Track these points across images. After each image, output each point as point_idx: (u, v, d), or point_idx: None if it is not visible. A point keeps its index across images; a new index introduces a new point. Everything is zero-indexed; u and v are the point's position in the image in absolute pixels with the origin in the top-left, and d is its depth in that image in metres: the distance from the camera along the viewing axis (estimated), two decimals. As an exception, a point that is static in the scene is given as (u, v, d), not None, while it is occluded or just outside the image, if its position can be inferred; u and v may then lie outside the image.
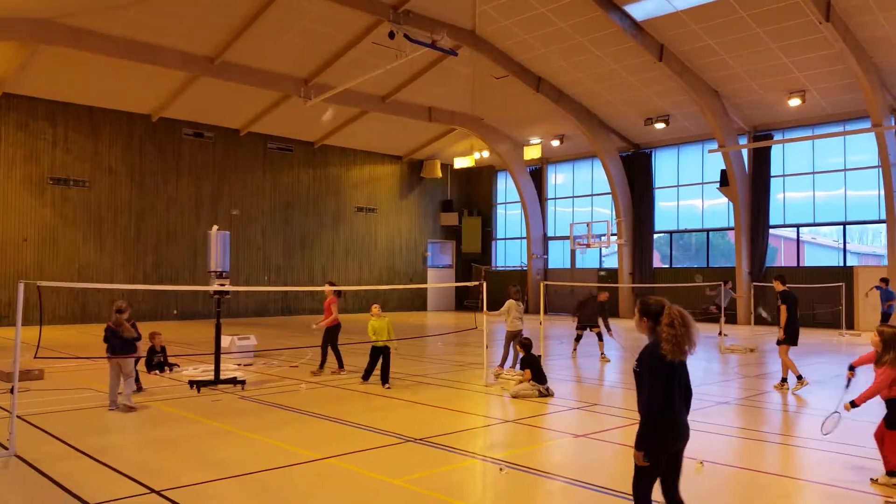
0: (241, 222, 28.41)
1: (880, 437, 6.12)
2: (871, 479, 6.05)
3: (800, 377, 10.96)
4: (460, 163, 34.57)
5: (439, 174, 35.09)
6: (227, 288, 10.86)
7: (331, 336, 12.63)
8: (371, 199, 33.42)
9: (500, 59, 25.03)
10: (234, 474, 6.25)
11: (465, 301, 35.75)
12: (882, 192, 22.96)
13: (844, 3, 18.90)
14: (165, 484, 5.89)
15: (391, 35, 19.75)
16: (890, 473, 5.94)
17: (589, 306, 15.52)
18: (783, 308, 11.14)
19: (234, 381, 10.98)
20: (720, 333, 19.87)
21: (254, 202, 29.22)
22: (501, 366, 12.85)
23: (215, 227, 11.57)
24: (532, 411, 9.39)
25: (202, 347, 15.72)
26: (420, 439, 7.55)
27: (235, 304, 27.33)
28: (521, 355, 11.12)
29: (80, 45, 20.22)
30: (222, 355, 11.54)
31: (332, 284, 13.20)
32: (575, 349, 15.65)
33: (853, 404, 6.20)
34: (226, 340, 13.75)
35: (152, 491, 5.72)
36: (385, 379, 11.09)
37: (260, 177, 29.50)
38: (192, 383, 10.79)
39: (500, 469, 6.46)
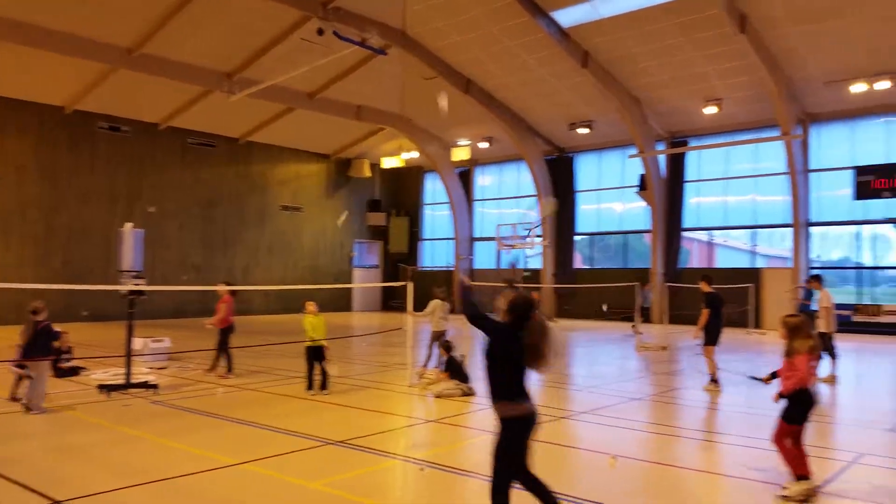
0: (158, 219, 27.38)
1: (780, 438, 5.84)
2: (783, 497, 5.64)
3: (715, 381, 11.13)
4: (388, 163, 34.45)
5: (367, 173, 34.87)
6: (134, 287, 10.42)
7: (223, 336, 12.28)
8: (297, 198, 32.86)
9: (429, 59, 25.12)
10: (146, 481, 6.02)
11: (391, 301, 35.66)
12: (790, 198, 24.27)
13: (759, 15, 19.88)
14: (71, 493, 5.62)
15: (320, 32, 19.49)
16: (801, 478, 5.70)
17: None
18: (705, 310, 11.31)
19: (145, 384, 10.58)
20: (637, 332, 20.63)
21: (173, 199, 28.23)
22: (425, 366, 12.87)
23: (129, 225, 11.13)
24: (455, 410, 9.45)
25: (113, 350, 15.07)
26: (341, 442, 7.48)
27: (151, 305, 26.25)
28: (444, 357, 11.17)
29: (-14, 31, 19.06)
30: (134, 358, 11.10)
31: (227, 284, 12.81)
32: None
33: (781, 395, 5.92)
34: (139, 343, 13.25)
35: (55, 502, 5.45)
36: (324, 384, 10.60)
37: (179, 173, 28.54)
38: (101, 387, 10.33)
39: (421, 469, 6.47)
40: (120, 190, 26.60)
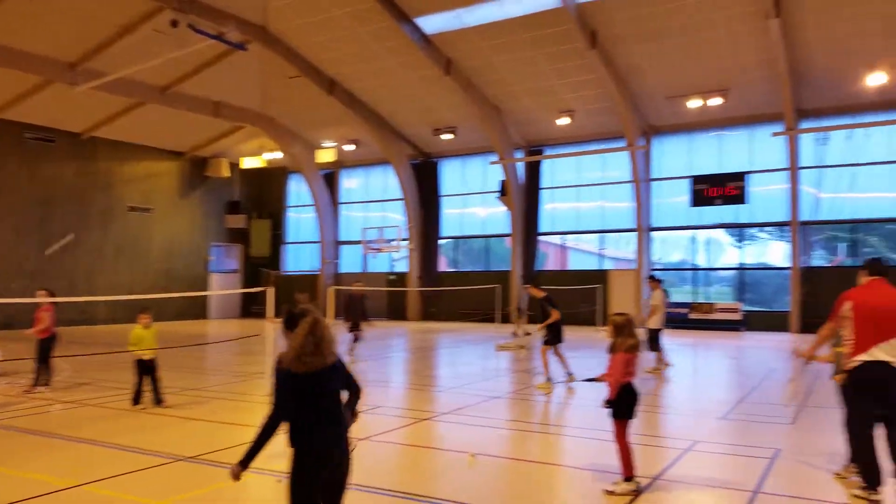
0: (-14, 220, 24.78)
1: (619, 435, 6.01)
2: (607, 492, 5.85)
3: (549, 378, 11.66)
4: (249, 162, 33.22)
5: (226, 173, 33.45)
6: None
7: (44, 348, 11.39)
8: (147, 198, 30.89)
9: (292, 58, 24.56)
10: (-36, 512, 5.42)
11: (252, 307, 34.43)
12: (634, 205, 26.05)
13: (608, 33, 21.20)
14: None
15: (174, 24, 18.46)
16: (628, 480, 5.91)
17: (355, 305, 15.45)
18: (554, 310, 11.73)
19: (-30, 403, 9.52)
20: (525, 333, 21.31)
21: (5, 197, 25.63)
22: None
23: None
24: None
25: (-69, 366, 13.46)
26: (192, 457, 7.10)
27: (-22, 315, 23.77)
28: None
29: None
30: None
31: (48, 291, 11.83)
32: (354, 351, 15.36)
33: (600, 379, 6.20)
34: (-38, 357, 11.90)
35: None
36: (157, 397, 10.02)
37: (14, 169, 25.96)
38: (-87, 409, 9.18)
39: (279, 481, 6.28)
40: (-62, 187, 23.82)
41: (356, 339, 15.35)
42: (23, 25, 19.98)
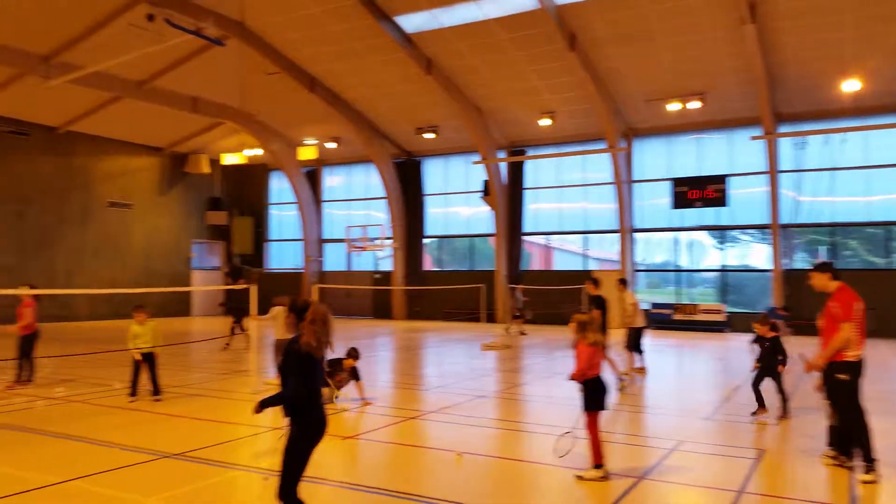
0: (-39, 216, 24.33)
1: (590, 426, 6.34)
2: (578, 477, 6.25)
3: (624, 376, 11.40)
4: (230, 159, 32.84)
5: (206, 170, 33.13)
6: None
7: (26, 344, 11.35)
8: (126, 194, 30.50)
9: (271, 54, 24.36)
10: (-54, 511, 5.34)
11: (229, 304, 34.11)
12: (616, 206, 26.23)
13: (587, 35, 21.31)
14: None
15: (150, 17, 18.20)
16: (596, 466, 6.26)
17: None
18: (596, 311, 11.61)
19: (-52, 401, 9.37)
20: (521, 333, 21.45)
21: (-21, 193, 25.19)
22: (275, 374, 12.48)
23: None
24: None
25: None
26: (178, 454, 7.05)
27: (-48, 312, 23.30)
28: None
29: None
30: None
31: (31, 286, 11.79)
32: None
33: (573, 379, 6.49)
34: (-62, 354, 11.69)
35: None
36: (156, 390, 10.14)
37: (-13, 163, 25.52)
38: None
39: (265, 479, 6.26)
40: (-89, 181, 23.33)
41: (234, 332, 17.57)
42: (-3, 18, 19.65)
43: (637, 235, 26.86)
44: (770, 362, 9.02)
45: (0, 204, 25.86)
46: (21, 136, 26.57)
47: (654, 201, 26.55)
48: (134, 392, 10.08)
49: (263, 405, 4.54)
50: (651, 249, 27.67)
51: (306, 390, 4.34)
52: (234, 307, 18.05)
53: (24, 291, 11.50)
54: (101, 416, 9.20)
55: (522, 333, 22.05)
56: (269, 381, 11.98)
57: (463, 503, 5.62)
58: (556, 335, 22.27)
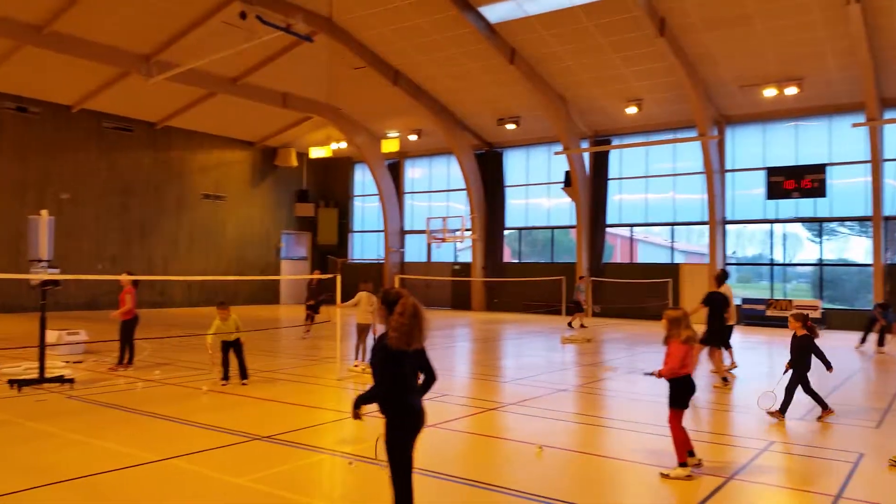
0: (71, 207, 26.09)
1: (673, 422, 6.26)
2: (662, 475, 6.13)
3: (725, 379, 11.12)
4: (317, 152, 33.84)
5: (294, 163, 34.21)
6: (48, 277, 9.91)
7: (127, 329, 11.95)
8: (219, 186, 31.91)
9: (357, 49, 24.82)
10: (61, 479, 5.75)
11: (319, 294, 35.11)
12: (705, 197, 25.32)
13: (676, 21, 20.60)
14: (-25, 496, 5.31)
15: (242, 15, 18.95)
16: (681, 465, 6.14)
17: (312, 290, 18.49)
18: (706, 309, 11.12)
19: (61, 379, 10.09)
20: (580, 325, 21.29)
21: (87, 186, 26.93)
22: (357, 359, 12.78)
23: (45, 213, 10.59)
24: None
25: (25, 343, 14.29)
26: (267, 437, 7.34)
27: (64, 297, 25.07)
28: None
29: None
30: (48, 351, 10.57)
31: (130, 273, 12.41)
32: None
33: (659, 375, 6.47)
34: (52, 335, 12.60)
35: (-41, 505, 5.14)
36: (243, 374, 10.65)
37: (94, 158, 27.24)
38: (12, 382, 9.78)
39: (350, 463, 6.43)
40: (29, 175, 25.19)
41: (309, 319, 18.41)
42: (101, 19, 20.84)
43: (728, 227, 25.84)
44: (801, 363, 8.65)
45: (107, 196, 27.57)
46: (125, 131, 28.23)
47: (746, 191, 25.46)
48: (226, 376, 10.58)
49: (359, 404, 4.48)
50: (743, 242, 26.57)
51: (396, 384, 4.29)
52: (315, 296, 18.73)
53: (124, 278, 12.16)
54: (194, 398, 9.69)
55: (583, 326, 21.72)
56: (353, 366, 12.29)
57: (544, 496, 5.59)
58: (639, 330, 21.77)
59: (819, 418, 8.59)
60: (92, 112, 26.86)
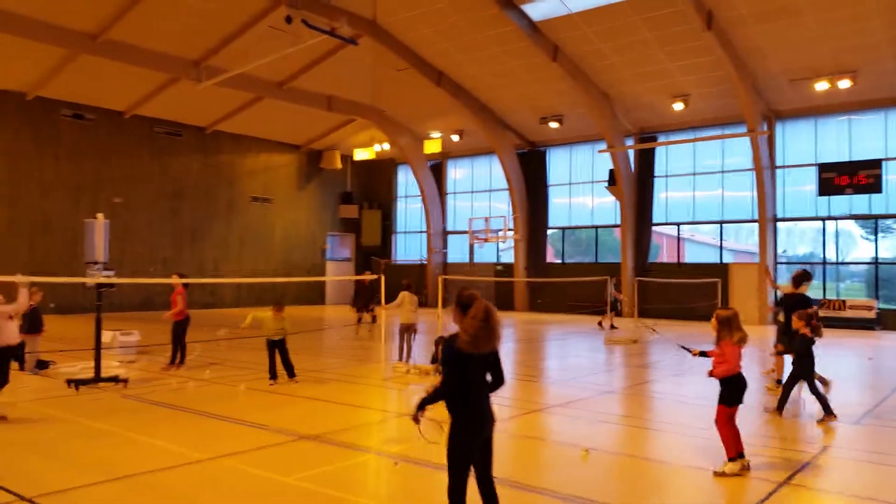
0: (124, 211, 26.89)
1: (721, 420, 6.34)
2: (716, 473, 6.15)
3: (779, 381, 10.59)
4: (360, 154, 34.20)
5: (339, 165, 34.63)
6: (104, 280, 10.23)
7: (179, 329, 12.25)
8: (267, 189, 32.51)
9: (401, 51, 24.98)
10: (116, 476, 5.94)
11: (363, 294, 35.44)
12: (755, 194, 24.71)
13: (724, 14, 20.15)
14: (39, 489, 5.51)
15: (288, 20, 19.26)
16: (732, 459, 6.19)
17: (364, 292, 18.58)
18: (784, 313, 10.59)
19: (115, 379, 10.41)
20: (611, 326, 21.07)
21: (139, 190, 27.72)
22: (401, 359, 12.87)
23: (100, 216, 10.95)
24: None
25: (81, 343, 14.80)
26: (314, 436, 7.44)
27: (118, 298, 25.83)
28: (435, 351, 11.01)
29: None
30: (103, 352, 10.92)
31: (181, 276, 12.73)
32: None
33: (710, 374, 6.48)
34: (107, 336, 12.99)
35: (21, 498, 5.34)
36: (290, 372, 10.84)
37: (146, 163, 28.02)
38: (70, 382, 10.14)
39: (395, 464, 6.48)
40: (84, 180, 26.05)
41: (361, 321, 18.31)
42: (152, 26, 21.44)
43: (779, 225, 25.17)
44: (804, 363, 8.57)
45: (158, 200, 28.33)
46: (175, 136, 28.98)
47: (797, 188, 24.75)
48: (273, 376, 10.75)
49: (423, 405, 4.45)
50: (793, 240, 25.85)
51: (461, 385, 4.29)
52: (362, 297, 18.93)
53: (175, 280, 12.49)
54: (243, 397, 9.89)
55: (613, 327, 21.45)
56: (398, 366, 12.37)
57: (591, 499, 5.54)
58: (686, 330, 21.36)
59: (819, 421, 8.41)
60: (143, 118, 27.65)
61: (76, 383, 10.07)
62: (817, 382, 8.79)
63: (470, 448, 4.33)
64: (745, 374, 6.45)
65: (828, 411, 8.41)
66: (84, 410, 8.72)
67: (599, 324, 21.80)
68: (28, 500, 5.32)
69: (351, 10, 22.16)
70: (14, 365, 10.11)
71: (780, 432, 8.32)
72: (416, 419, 4.49)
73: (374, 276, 13.57)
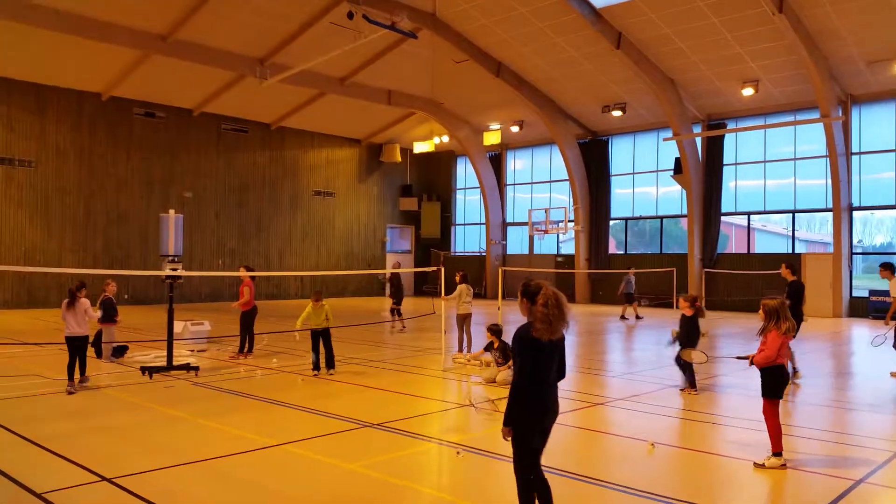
0: (194, 205, 27.84)
1: (766, 412, 6.27)
2: (756, 464, 6.11)
3: (795, 370, 10.65)
4: (420, 147, 34.38)
5: (398, 158, 34.90)
6: (171, 273, 10.59)
7: (247, 319, 12.54)
8: (329, 183, 33.07)
9: (460, 42, 24.94)
10: (188, 461, 6.16)
11: (423, 286, 35.76)
12: (829, 182, 23.67)
13: (796, -5, 19.33)
14: (116, 471, 5.77)
15: (350, 15, 19.50)
16: (776, 454, 6.10)
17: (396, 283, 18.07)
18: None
19: (187, 367, 10.79)
20: (636, 317, 20.77)
21: (207, 184, 28.64)
22: (461, 350, 12.91)
23: (172, 211, 11.36)
24: (492, 395, 9.43)
25: (154, 333, 15.40)
26: (377, 424, 7.54)
27: (189, 289, 26.81)
28: (489, 342, 11.00)
29: (27, 19, 19.45)
30: (175, 341, 11.33)
31: (247, 268, 13.06)
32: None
33: (751, 362, 6.42)
34: (179, 326, 13.47)
35: (103, 479, 5.60)
36: (330, 363, 10.99)
37: (214, 158, 28.91)
38: (143, 369, 10.56)
39: (457, 452, 6.49)
40: (155, 175, 27.06)
41: (395, 313, 17.59)
42: (218, 25, 22.06)
43: (855, 214, 24.05)
44: (688, 339, 9.36)
45: (226, 194, 29.21)
46: (241, 132, 29.78)
47: (875, 176, 23.59)
48: (317, 366, 10.90)
49: (507, 423, 4.29)
50: (870, 230, 24.65)
51: (535, 375, 4.25)
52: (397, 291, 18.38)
53: (242, 273, 12.87)
54: (308, 385, 10.10)
55: (638, 317, 20.93)
56: (457, 357, 12.41)
57: (656, 494, 5.43)
58: (756, 323, 20.64)
59: (682, 390, 9.52)
60: (211, 115, 28.50)
61: (150, 371, 10.48)
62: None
63: (537, 438, 4.34)
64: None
65: (692, 384, 9.47)
66: (157, 397, 9.07)
67: (622, 316, 21.54)
68: (108, 480, 5.57)
69: (411, 4, 22.25)
70: (91, 352, 10.65)
71: (854, 429, 7.96)
72: (507, 437, 4.33)
73: (432, 269, 13.67)
